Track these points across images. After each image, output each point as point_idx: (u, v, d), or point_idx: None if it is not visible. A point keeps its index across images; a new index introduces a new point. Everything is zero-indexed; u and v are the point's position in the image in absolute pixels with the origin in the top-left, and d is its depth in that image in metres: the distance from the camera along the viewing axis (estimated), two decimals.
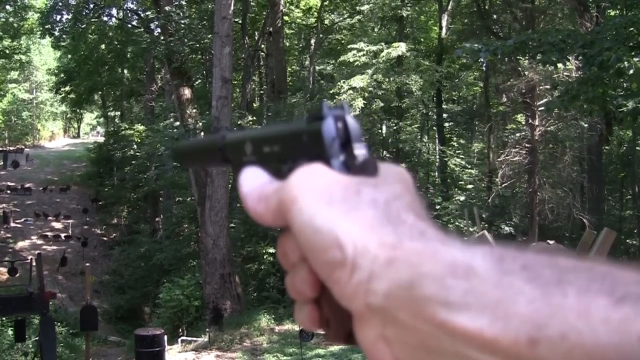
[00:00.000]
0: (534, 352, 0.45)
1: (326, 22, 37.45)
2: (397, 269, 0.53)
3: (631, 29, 13.10)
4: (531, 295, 0.47)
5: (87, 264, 21.36)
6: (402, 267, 0.53)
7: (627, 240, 29.91)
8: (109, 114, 58.79)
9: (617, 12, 25.45)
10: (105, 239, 43.36)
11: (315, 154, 0.64)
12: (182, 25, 29.27)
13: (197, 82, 36.06)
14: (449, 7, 35.64)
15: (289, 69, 37.75)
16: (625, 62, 12.32)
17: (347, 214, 0.57)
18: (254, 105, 41.22)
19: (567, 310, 0.45)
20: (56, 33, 35.02)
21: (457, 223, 28.87)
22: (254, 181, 0.67)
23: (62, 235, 39.81)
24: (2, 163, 55.23)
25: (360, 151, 0.64)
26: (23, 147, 65.24)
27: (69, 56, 47.00)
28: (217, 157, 0.82)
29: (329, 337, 0.63)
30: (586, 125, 28.33)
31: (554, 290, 0.46)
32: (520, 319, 0.46)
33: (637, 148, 33.14)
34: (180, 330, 22.99)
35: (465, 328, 0.48)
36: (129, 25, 37.09)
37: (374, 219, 0.57)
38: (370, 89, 28.94)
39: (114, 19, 39.44)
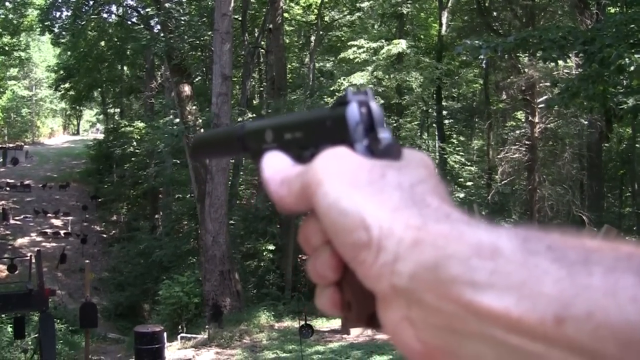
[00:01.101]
0: (560, 331, 0.45)
1: (326, 19, 37.44)
2: (423, 250, 0.53)
3: (632, 25, 13.10)
4: (557, 274, 0.46)
5: (87, 261, 21.32)
6: (428, 248, 0.53)
7: (627, 238, 29.83)
8: (108, 111, 58.77)
9: (618, 9, 25.45)
10: (104, 236, 43.37)
11: (338, 139, 0.64)
12: (182, 22, 29.28)
13: (196, 79, 36.09)
14: (449, 4, 35.61)
15: (289, 66, 37.71)
16: (626, 59, 12.31)
17: (372, 197, 0.57)
18: (254, 102, 41.23)
19: (594, 289, 0.44)
20: (56, 30, 34.95)
21: None
22: (276, 165, 0.67)
23: (62, 232, 39.84)
24: (1, 160, 55.29)
25: (384, 135, 0.64)
26: (22, 144, 65.32)
27: (69, 53, 46.87)
28: (236, 146, 0.82)
29: (351, 321, 0.63)
30: (586, 122, 28.32)
31: (580, 269, 0.46)
32: (547, 299, 0.46)
33: (636, 145, 33.13)
34: (179, 327, 22.97)
35: (491, 308, 0.48)
36: (129, 22, 37.06)
37: (400, 201, 0.57)
38: (370, 86, 28.90)
39: (113, 16, 39.42)
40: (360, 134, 0.63)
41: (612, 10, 26.30)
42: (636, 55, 12.27)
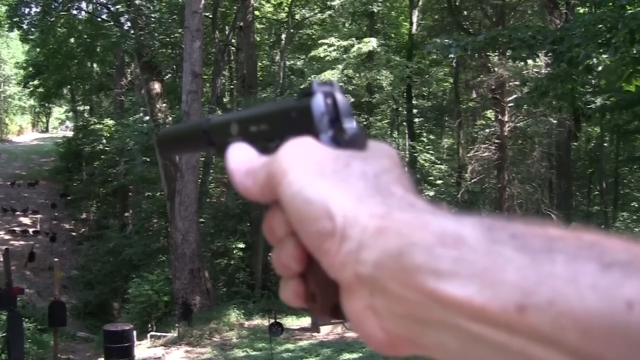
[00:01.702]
0: (522, 319, 0.45)
1: (297, 17, 37.40)
2: (387, 238, 0.53)
3: (600, 26, 13.19)
4: (520, 263, 0.46)
5: (56, 259, 21.15)
6: (392, 236, 0.53)
7: None
8: (78, 108, 58.27)
9: (587, 9, 25.63)
10: (74, 234, 43.05)
11: (304, 130, 0.64)
12: (152, 19, 29.18)
13: (167, 77, 35.91)
14: (420, 3, 35.70)
15: (260, 64, 37.63)
16: (594, 59, 12.43)
17: (337, 186, 0.57)
18: (224, 99, 41.09)
19: (555, 277, 0.45)
20: (24, 26, 34.64)
21: None
22: (241, 156, 0.67)
23: (30, 230, 39.52)
24: None
25: (349, 126, 0.64)
26: None
27: (38, 50, 46.46)
28: (201, 141, 0.82)
29: (315, 312, 0.63)
30: (555, 121, 28.53)
31: (543, 257, 0.46)
32: (509, 287, 0.46)
33: (604, 144, 33.42)
34: (149, 325, 22.91)
35: (454, 296, 0.48)
36: (99, 19, 36.80)
37: (364, 190, 0.57)
38: (340, 84, 28.89)
39: (83, 13, 39.12)
40: (326, 124, 0.64)
41: (581, 11, 26.49)
42: (604, 56, 12.39)
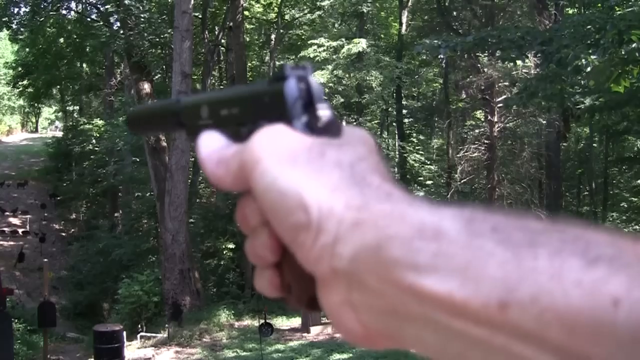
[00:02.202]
0: (504, 316, 0.44)
1: (286, 17, 37.37)
2: (364, 231, 0.52)
3: (589, 27, 13.24)
4: (502, 257, 0.45)
5: (45, 260, 21.12)
6: (369, 229, 0.52)
7: None
8: (67, 108, 58.16)
9: (575, 10, 25.74)
10: (63, 234, 42.96)
11: (276, 115, 0.63)
12: (142, 19, 29.14)
13: (156, 77, 35.85)
14: (409, 4, 35.74)
15: (249, 64, 37.65)
16: (583, 60, 12.47)
17: (311, 176, 0.56)
18: None
19: (539, 273, 0.43)
20: (14, 26, 34.49)
21: None
22: (212, 145, 0.66)
23: (20, 230, 39.40)
24: None
25: (323, 112, 0.64)
26: None
27: (27, 50, 46.30)
28: (171, 122, 0.81)
29: (291, 303, 0.63)
30: (544, 122, 28.58)
31: (525, 252, 0.45)
32: (491, 282, 0.45)
33: (594, 145, 33.50)
34: (139, 326, 22.85)
35: (433, 291, 0.47)
36: (88, 19, 36.70)
37: (340, 180, 0.56)
38: (330, 84, 29.00)
39: (72, 13, 38.99)
40: (299, 110, 0.63)
41: (570, 11, 26.60)
42: (593, 57, 12.42)
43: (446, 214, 0.50)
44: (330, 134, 0.62)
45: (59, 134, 60.88)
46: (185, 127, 0.78)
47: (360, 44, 29.43)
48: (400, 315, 0.50)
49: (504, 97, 26.84)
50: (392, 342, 0.54)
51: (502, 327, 0.44)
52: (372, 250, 0.51)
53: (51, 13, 34.57)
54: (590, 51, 12.66)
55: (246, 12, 34.94)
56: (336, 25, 36.22)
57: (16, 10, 34.77)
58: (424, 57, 30.55)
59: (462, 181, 30.68)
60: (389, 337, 0.53)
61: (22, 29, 35.11)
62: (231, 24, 31.56)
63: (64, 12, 37.39)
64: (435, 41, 15.93)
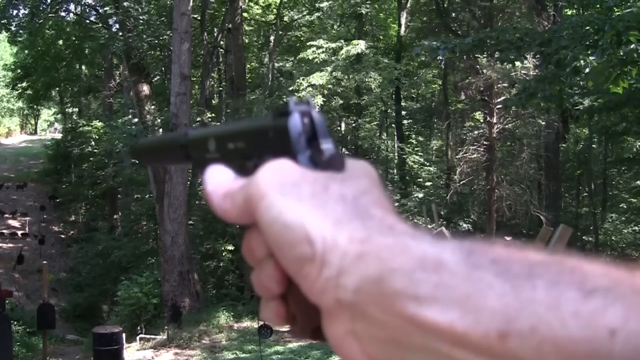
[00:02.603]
0: (504, 346, 0.45)
1: (285, 19, 37.42)
2: (367, 263, 0.52)
3: (587, 27, 13.24)
4: (501, 289, 0.46)
5: (45, 262, 21.08)
6: (372, 261, 0.52)
7: (583, 237, 30.20)
8: (66, 110, 58.24)
9: (574, 11, 25.76)
10: (63, 236, 42.96)
11: (281, 150, 0.64)
12: (141, 21, 29.13)
13: (155, 79, 35.87)
14: (408, 5, 35.80)
15: (248, 66, 37.68)
16: (582, 61, 12.47)
17: (316, 210, 0.57)
18: (213, 102, 41.12)
19: (537, 304, 0.44)
20: (12, 28, 34.50)
21: (415, 220, 28.96)
22: (219, 178, 0.67)
23: (19, 232, 39.40)
24: None
25: (326, 146, 0.64)
26: None
27: (26, 52, 46.37)
28: (179, 155, 0.82)
29: (296, 333, 0.64)
30: (543, 123, 28.60)
31: (524, 283, 0.46)
32: (490, 313, 0.46)
33: (593, 146, 33.51)
34: (138, 328, 22.85)
35: (435, 322, 0.48)
36: (87, 21, 36.70)
37: (343, 214, 0.57)
38: (329, 86, 29.00)
39: (71, 14, 39.00)
40: (303, 145, 0.63)
41: (569, 12, 26.61)
42: (591, 57, 12.42)
43: (447, 247, 0.51)
44: (334, 168, 0.62)
45: (58, 135, 60.85)
46: (192, 160, 0.80)
47: (359, 46, 29.43)
48: (403, 345, 0.51)
49: (503, 98, 26.82)
50: None
51: (502, 356, 0.45)
52: (375, 282, 0.51)
53: (50, 15, 34.59)
54: (589, 52, 12.67)
55: (245, 14, 34.99)
56: (335, 26, 36.24)
57: (15, 12, 34.78)
58: (423, 59, 30.58)
59: (461, 182, 30.66)
60: None
61: (21, 31, 35.10)
62: (230, 25, 31.59)
63: (62, 14, 37.45)
64: (434, 42, 15.92)
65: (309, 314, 0.60)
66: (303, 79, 28.48)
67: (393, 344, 0.52)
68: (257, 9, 38.66)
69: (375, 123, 37.77)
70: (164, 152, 0.89)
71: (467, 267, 0.49)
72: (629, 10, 13.80)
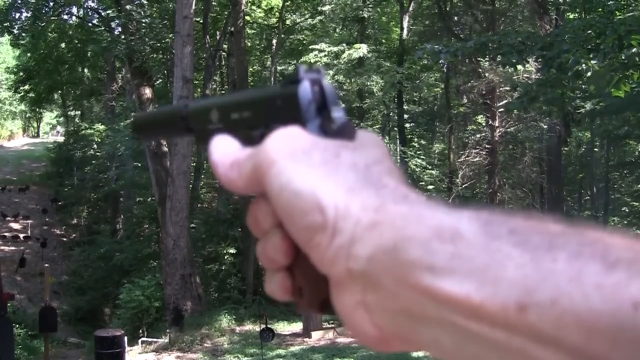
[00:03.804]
0: (523, 318, 0.44)
1: (288, 22, 37.39)
2: (381, 232, 0.52)
3: (589, 31, 13.26)
4: (520, 260, 0.45)
5: (47, 265, 21.09)
6: (386, 230, 0.51)
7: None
8: (69, 113, 58.20)
9: (576, 15, 25.74)
10: (65, 239, 42.92)
11: (290, 118, 0.63)
12: (143, 24, 29.14)
13: (158, 82, 35.88)
14: (410, 9, 35.76)
15: (251, 69, 37.65)
16: (583, 65, 12.48)
17: (327, 177, 0.56)
18: None
19: (558, 276, 0.43)
20: (15, 31, 34.52)
21: None
22: (225, 148, 0.66)
23: (21, 235, 39.35)
24: None
25: (337, 115, 0.64)
26: None
27: (29, 55, 46.39)
28: (179, 127, 0.81)
29: (302, 307, 0.63)
30: (545, 126, 28.62)
31: (544, 255, 0.45)
32: (509, 284, 0.45)
33: (595, 149, 33.51)
34: (140, 331, 22.86)
35: (450, 293, 0.47)
36: (90, 24, 36.79)
37: (355, 181, 0.56)
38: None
39: (74, 18, 39.04)
40: (313, 113, 0.63)
41: (571, 16, 26.60)
42: (593, 61, 12.44)
43: (464, 216, 0.50)
44: (344, 137, 0.62)
45: (61, 138, 60.89)
46: (193, 132, 0.79)
47: (362, 49, 29.43)
48: (415, 317, 0.50)
49: (505, 101, 26.85)
50: (407, 344, 0.54)
51: (520, 329, 0.44)
52: (389, 251, 0.51)
53: (52, 18, 34.62)
54: (590, 56, 12.68)
55: (247, 17, 34.95)
56: (337, 30, 36.27)
57: (17, 15, 34.83)
58: (425, 62, 30.54)
59: (463, 186, 30.70)
60: (403, 339, 0.53)
61: (23, 34, 35.13)
62: (232, 29, 31.58)
63: (65, 17, 37.48)
64: (436, 46, 15.94)
65: (317, 286, 0.59)
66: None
67: (405, 316, 0.51)
68: (260, 12, 38.63)
69: (377, 127, 37.73)
70: (163, 124, 0.88)
71: (485, 237, 0.48)
72: (630, 14, 13.84)
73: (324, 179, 0.56)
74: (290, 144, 0.59)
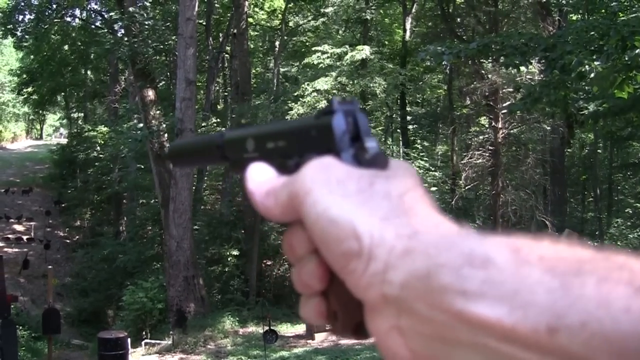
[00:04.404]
0: (553, 341, 0.45)
1: (290, 24, 37.44)
2: (414, 259, 0.53)
3: (592, 32, 13.23)
4: (549, 285, 0.46)
5: (50, 267, 21.12)
6: (419, 257, 0.53)
7: (589, 242, 30.19)
8: (72, 115, 58.21)
9: (579, 16, 25.72)
10: (68, 241, 42.91)
11: (324, 148, 0.65)
12: (146, 26, 29.12)
13: (161, 84, 35.90)
14: (413, 10, 35.80)
15: (253, 71, 37.69)
16: (587, 66, 12.45)
17: (362, 206, 0.57)
18: (218, 107, 41.16)
19: (587, 300, 0.45)
20: (18, 33, 34.63)
21: None
22: (261, 176, 0.68)
23: (24, 237, 39.35)
24: None
25: (370, 145, 0.65)
26: None
27: (32, 57, 46.50)
28: (215, 155, 0.83)
29: (336, 331, 0.64)
30: (548, 127, 28.59)
31: (573, 280, 0.46)
32: (539, 309, 0.46)
33: (598, 151, 33.51)
34: (143, 333, 22.89)
35: (483, 317, 0.48)
36: (92, 26, 36.91)
37: (389, 210, 0.58)
38: (334, 91, 28.96)
39: (77, 20, 39.14)
40: (347, 143, 0.64)
41: (574, 18, 26.58)
42: (596, 63, 12.42)
43: (494, 243, 0.52)
44: (377, 166, 0.63)
45: (64, 140, 60.92)
46: (229, 161, 0.80)
47: (364, 51, 29.39)
48: (448, 341, 0.51)
49: (508, 103, 26.80)
50: None
51: (551, 352, 0.45)
52: (423, 277, 0.52)
53: (55, 20, 34.73)
54: (593, 57, 12.66)
55: (250, 19, 35.01)
56: (340, 32, 36.21)
57: (21, 17, 34.91)
58: (428, 64, 30.49)
59: (466, 187, 30.67)
60: None
61: (26, 37, 35.25)
62: (235, 31, 31.59)
63: (68, 19, 37.60)
64: (439, 48, 15.88)
65: (352, 311, 0.60)
66: (308, 84, 28.48)
67: (439, 340, 0.52)
68: (263, 14, 38.72)
69: (380, 128, 37.71)
70: (199, 153, 0.90)
71: (515, 263, 0.49)
72: (634, 15, 13.80)
73: (359, 207, 0.57)
74: (325, 174, 0.60)
